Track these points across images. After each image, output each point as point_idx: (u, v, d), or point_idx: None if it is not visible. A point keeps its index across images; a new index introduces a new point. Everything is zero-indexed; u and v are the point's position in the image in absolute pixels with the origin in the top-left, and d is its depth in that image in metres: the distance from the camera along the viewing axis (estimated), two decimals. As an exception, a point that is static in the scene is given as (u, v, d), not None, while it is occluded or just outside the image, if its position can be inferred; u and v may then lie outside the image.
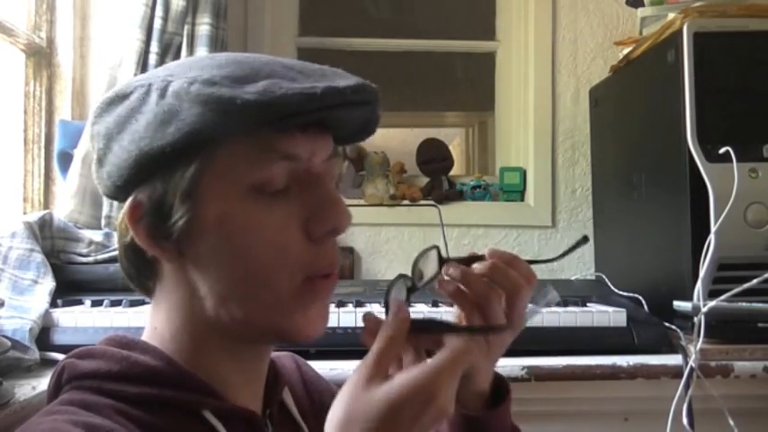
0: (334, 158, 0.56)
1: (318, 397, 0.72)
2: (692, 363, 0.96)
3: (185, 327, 0.55)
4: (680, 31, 1.11)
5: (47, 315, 0.96)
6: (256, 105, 0.48)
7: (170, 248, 0.53)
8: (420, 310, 1.01)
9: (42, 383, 0.79)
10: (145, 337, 0.58)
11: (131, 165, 0.52)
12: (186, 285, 0.54)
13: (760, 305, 1.00)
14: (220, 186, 0.51)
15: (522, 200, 1.74)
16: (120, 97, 0.54)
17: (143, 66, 1.30)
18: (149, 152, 0.50)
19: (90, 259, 1.15)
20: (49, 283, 1.02)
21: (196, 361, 0.55)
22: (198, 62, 0.54)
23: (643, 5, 1.37)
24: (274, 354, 0.72)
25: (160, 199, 0.52)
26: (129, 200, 0.53)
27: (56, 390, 0.55)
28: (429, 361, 0.48)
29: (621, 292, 1.24)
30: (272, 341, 0.59)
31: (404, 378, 0.47)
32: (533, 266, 0.65)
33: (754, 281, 0.97)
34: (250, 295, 0.52)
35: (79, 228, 1.21)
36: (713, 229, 1.03)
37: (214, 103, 0.48)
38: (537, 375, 0.95)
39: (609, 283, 1.33)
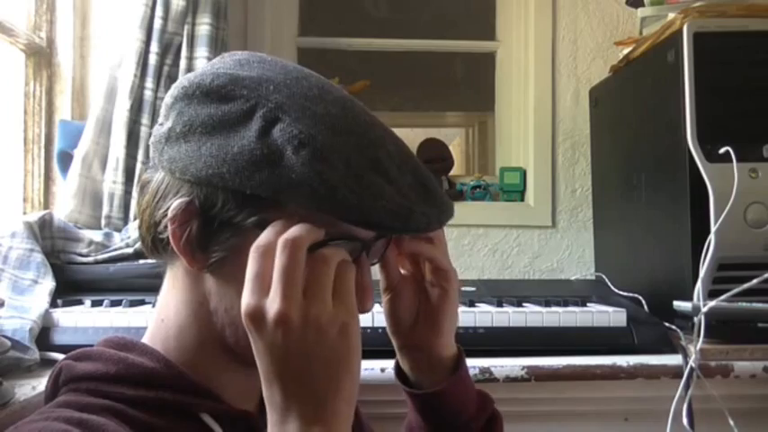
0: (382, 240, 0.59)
1: None
2: (691, 363, 0.96)
3: (192, 325, 0.55)
4: (680, 31, 1.11)
5: (47, 315, 0.96)
6: (354, 208, 0.49)
7: (200, 260, 0.53)
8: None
9: (42, 383, 0.78)
10: (150, 329, 0.58)
11: (201, 175, 0.51)
12: (199, 292, 0.55)
13: (760, 305, 1.00)
14: None
15: (522, 200, 1.74)
16: (219, 97, 0.52)
17: (143, 66, 1.30)
18: (228, 180, 0.50)
19: (90, 259, 1.15)
20: (49, 283, 1.02)
21: (195, 361, 0.55)
22: (311, 103, 0.52)
23: (643, 5, 1.36)
24: None
25: (213, 219, 0.51)
26: (181, 201, 0.52)
27: (53, 391, 0.56)
28: None
29: (621, 292, 1.24)
30: None
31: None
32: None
33: (754, 281, 0.97)
34: None
35: (79, 228, 1.21)
36: (713, 229, 1.03)
37: (318, 182, 0.48)
38: (537, 375, 0.95)
39: (609, 283, 1.33)
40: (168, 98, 0.56)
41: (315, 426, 0.46)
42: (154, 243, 0.56)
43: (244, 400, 0.59)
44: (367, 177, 0.50)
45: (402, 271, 0.65)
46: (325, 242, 0.50)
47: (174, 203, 0.52)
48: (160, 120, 0.57)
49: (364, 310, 0.55)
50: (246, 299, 0.47)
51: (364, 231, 0.54)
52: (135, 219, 1.26)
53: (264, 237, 0.48)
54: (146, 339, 0.58)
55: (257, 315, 0.46)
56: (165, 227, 0.53)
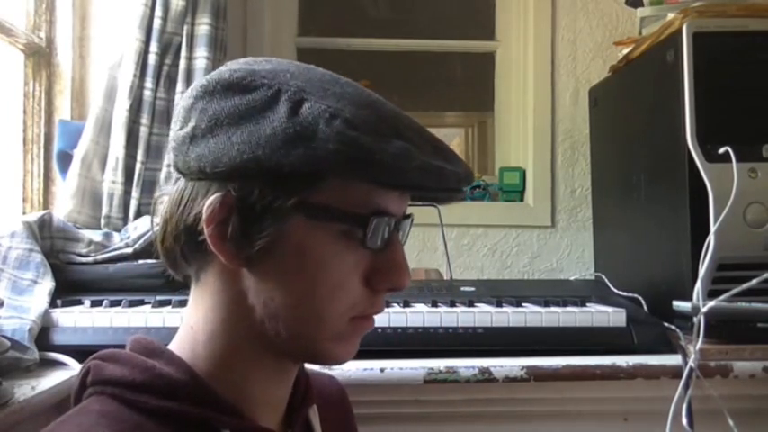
0: (409, 217, 0.61)
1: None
2: (691, 363, 0.96)
3: (224, 330, 0.55)
4: (679, 31, 1.11)
5: (46, 315, 0.96)
6: (390, 169, 0.50)
7: (241, 256, 0.52)
8: (419, 310, 1.01)
9: (42, 383, 0.79)
10: (179, 336, 0.58)
11: (236, 164, 0.51)
12: (237, 290, 0.54)
13: (760, 305, 1.00)
14: (312, 219, 0.52)
15: (522, 200, 1.74)
16: (241, 88, 0.53)
17: (142, 66, 1.30)
18: (264, 162, 0.50)
19: (89, 259, 1.15)
20: (48, 283, 1.02)
21: (222, 372, 0.55)
22: (329, 85, 0.53)
23: (642, 5, 1.37)
24: (315, 371, 0.71)
25: (251, 209, 0.51)
26: (216, 196, 0.52)
27: (81, 389, 0.56)
28: None
29: (621, 292, 1.24)
30: (305, 361, 0.61)
31: None
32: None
33: (754, 281, 0.97)
34: (301, 323, 0.54)
35: (79, 228, 1.21)
36: (713, 229, 1.03)
37: (354, 149, 0.49)
38: (536, 375, 0.95)
39: (608, 283, 1.33)
40: (187, 100, 0.56)
41: None
42: (183, 252, 0.55)
43: (268, 414, 0.58)
44: (396, 142, 0.51)
45: None
46: (368, 217, 0.53)
47: (209, 201, 0.52)
48: (178, 125, 0.56)
49: (401, 287, 0.56)
50: None
51: (394, 206, 0.56)
52: (134, 219, 1.26)
53: None
54: (173, 346, 0.57)
55: None
56: (200, 230, 0.52)
